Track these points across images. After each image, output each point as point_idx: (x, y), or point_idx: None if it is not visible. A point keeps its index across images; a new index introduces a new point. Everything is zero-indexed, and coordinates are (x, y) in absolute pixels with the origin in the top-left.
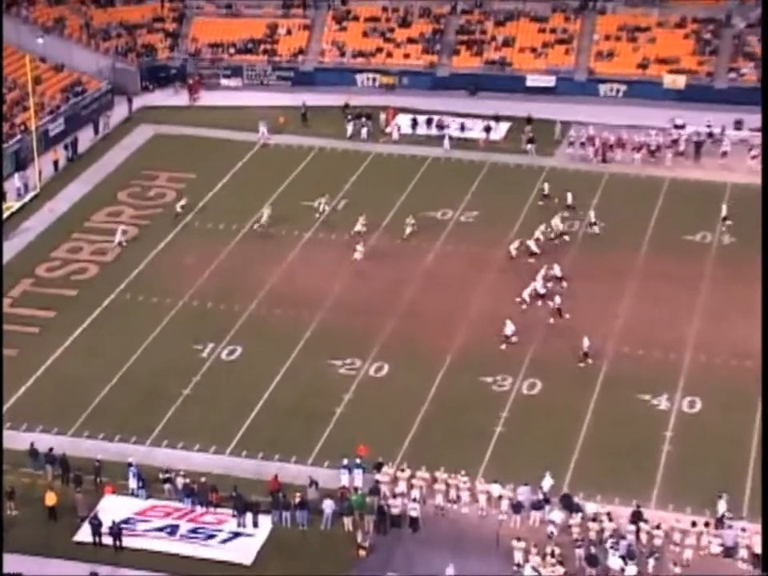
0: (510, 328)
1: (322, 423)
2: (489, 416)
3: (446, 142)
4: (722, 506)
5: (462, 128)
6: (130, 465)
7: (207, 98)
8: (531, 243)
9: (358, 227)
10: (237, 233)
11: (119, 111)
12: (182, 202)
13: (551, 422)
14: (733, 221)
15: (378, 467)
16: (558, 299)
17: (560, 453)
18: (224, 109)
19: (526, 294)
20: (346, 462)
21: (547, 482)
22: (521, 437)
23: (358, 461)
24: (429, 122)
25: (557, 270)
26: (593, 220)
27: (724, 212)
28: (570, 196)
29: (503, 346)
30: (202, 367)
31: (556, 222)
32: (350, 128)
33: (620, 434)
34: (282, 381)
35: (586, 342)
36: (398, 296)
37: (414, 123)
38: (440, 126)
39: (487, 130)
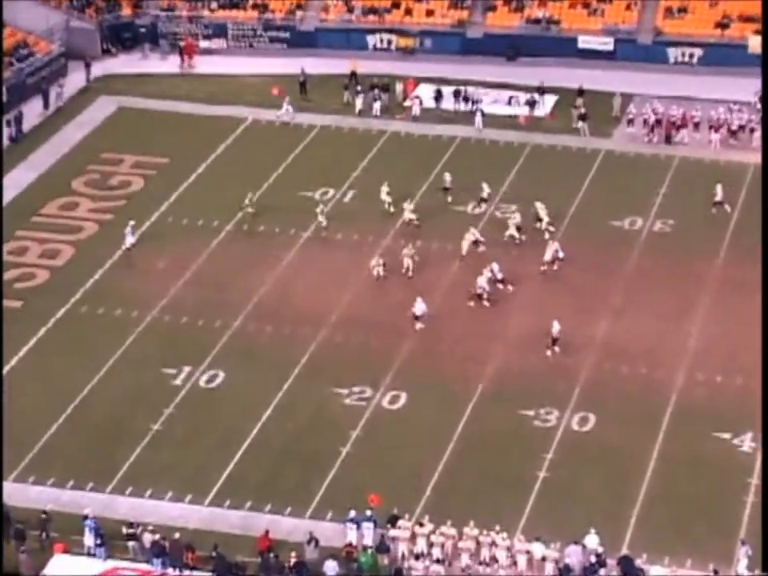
0: (555, 328)
1: (323, 466)
2: (530, 458)
3: (478, 119)
4: None
5: (498, 102)
6: (85, 517)
7: (179, 65)
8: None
9: (408, 215)
10: (219, 231)
11: (74, 80)
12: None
13: (607, 465)
14: None
15: (393, 521)
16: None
17: (618, 504)
18: (204, 77)
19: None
20: (353, 514)
21: (592, 540)
22: (570, 484)
23: (368, 513)
24: (457, 94)
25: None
26: (543, 218)
27: None
28: (485, 186)
29: (548, 352)
30: (175, 397)
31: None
32: (359, 102)
33: (693, 482)
34: (275, 414)
35: (555, 327)
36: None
37: (439, 96)
38: (471, 100)
39: (529, 104)
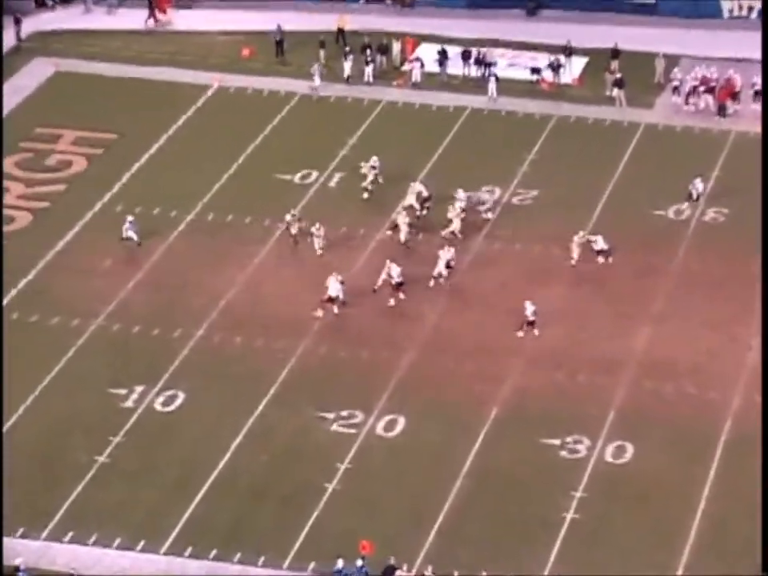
0: (529, 309)
1: (305, 506)
2: (555, 496)
3: (492, 85)
4: None
5: (516, 65)
6: (18, 570)
7: (132, 19)
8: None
9: (410, 200)
10: (177, 222)
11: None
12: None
13: (649, 505)
14: None
15: (390, 572)
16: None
17: (662, 551)
18: (162, 35)
19: None
20: (341, 564)
21: None
22: (603, 527)
23: (359, 563)
24: (465, 55)
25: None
26: (484, 200)
27: None
28: (420, 188)
29: (520, 333)
30: (125, 422)
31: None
32: (347, 65)
33: (751, 525)
34: (246, 443)
35: (529, 308)
36: (419, 318)
37: (443, 58)
38: (482, 63)
39: (553, 68)
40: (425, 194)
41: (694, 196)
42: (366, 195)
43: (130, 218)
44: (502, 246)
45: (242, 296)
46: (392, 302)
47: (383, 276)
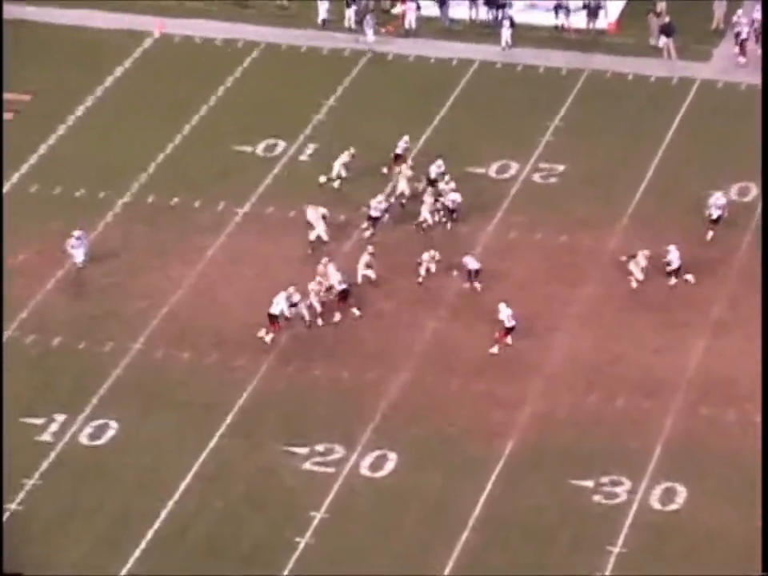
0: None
1: (271, 564)
2: (587, 552)
3: (506, 32)
4: None
5: (536, 7)
6: None
7: None
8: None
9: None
10: (109, 205)
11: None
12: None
13: (705, 563)
14: None
15: None
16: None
17: None
18: None
19: None
20: None
21: None
22: None
23: None
24: None
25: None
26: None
27: None
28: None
29: (494, 349)
30: (42, 460)
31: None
32: (322, 5)
33: None
34: (196, 486)
35: (503, 312)
36: (414, 327)
37: None
38: (494, 3)
39: (586, 9)
40: (432, 175)
41: (714, 215)
42: (323, 180)
43: (76, 233)
44: (519, 235)
45: (189, 300)
46: (338, 316)
47: (313, 286)
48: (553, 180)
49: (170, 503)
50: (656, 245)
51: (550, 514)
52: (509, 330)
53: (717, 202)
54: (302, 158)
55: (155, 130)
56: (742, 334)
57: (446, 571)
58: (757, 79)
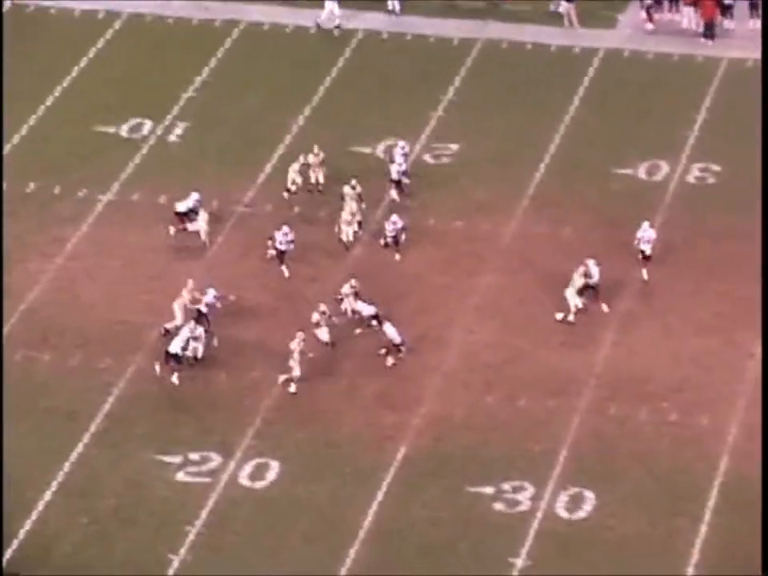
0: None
1: None
2: (488, 564)
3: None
4: None
5: None
6: None
7: None
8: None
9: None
10: None
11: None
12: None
13: (616, 569)
14: None
15: None
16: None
17: None
18: None
19: None
20: None
21: None
22: None
23: None
24: None
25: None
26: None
27: None
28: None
29: (389, 361)
30: None
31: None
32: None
33: None
34: (58, 500)
35: (391, 335)
36: (295, 323)
37: None
38: None
39: None
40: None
41: (647, 251)
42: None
43: None
44: (410, 221)
45: (49, 297)
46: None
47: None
48: (446, 160)
49: (29, 521)
50: (559, 227)
51: (447, 524)
52: (397, 347)
53: (644, 234)
54: (171, 138)
55: (8, 109)
56: (653, 327)
57: None
58: (666, 47)
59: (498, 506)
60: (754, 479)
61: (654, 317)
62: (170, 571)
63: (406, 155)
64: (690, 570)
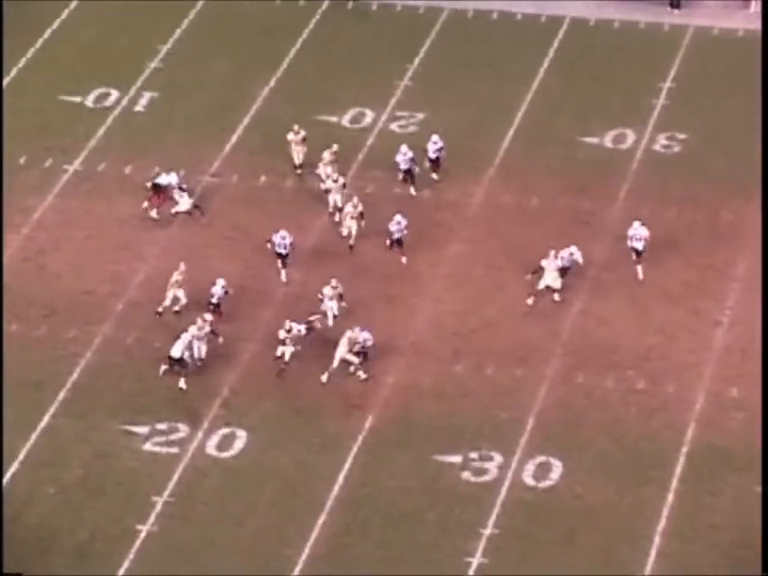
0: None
1: (110, 557)
2: (456, 534)
3: None
4: None
5: None
6: None
7: None
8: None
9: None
10: None
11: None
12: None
13: (582, 544)
14: None
15: None
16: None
17: None
18: None
19: None
20: None
21: None
22: (520, 571)
23: None
24: None
25: None
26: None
27: None
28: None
29: (360, 374)
30: None
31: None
32: None
33: (726, 567)
34: (25, 471)
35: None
36: (266, 287)
37: None
38: None
39: None
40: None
41: (639, 247)
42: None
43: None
44: (377, 190)
45: (15, 267)
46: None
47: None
48: (412, 129)
49: None
50: (526, 197)
51: (414, 493)
52: (364, 355)
53: (636, 232)
54: (137, 108)
55: None
56: (621, 296)
57: (302, 557)
58: (632, 15)
59: (466, 475)
60: (720, 447)
61: (621, 286)
62: (138, 541)
63: (440, 149)
64: (657, 538)
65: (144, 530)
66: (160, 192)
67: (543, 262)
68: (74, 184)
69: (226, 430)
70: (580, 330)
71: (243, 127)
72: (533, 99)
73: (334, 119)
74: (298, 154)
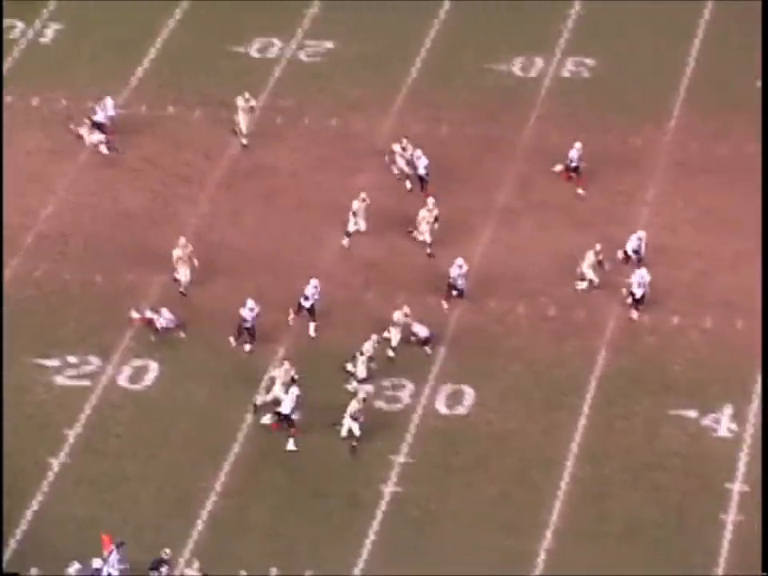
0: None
1: (23, 492)
2: (371, 459)
3: None
4: None
5: None
6: None
7: None
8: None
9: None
10: None
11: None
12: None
13: (496, 471)
14: None
15: (157, 566)
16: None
17: (514, 536)
18: None
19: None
20: (74, 569)
21: None
22: (434, 504)
23: (96, 564)
24: None
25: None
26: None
27: None
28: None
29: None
30: None
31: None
32: None
33: (637, 494)
34: None
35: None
36: (174, 221)
37: None
38: None
39: None
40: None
41: (638, 294)
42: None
43: None
44: (286, 121)
45: None
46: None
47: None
48: (320, 59)
49: None
50: (435, 126)
51: (324, 423)
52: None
53: (641, 279)
54: (43, 40)
55: None
56: (531, 223)
57: (216, 488)
58: None
59: (378, 404)
60: (630, 371)
61: (531, 213)
62: (50, 475)
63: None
64: (570, 463)
65: (56, 462)
66: (102, 129)
67: None
68: None
69: (137, 362)
70: (490, 258)
71: (150, 60)
72: (440, 28)
73: (241, 49)
74: (244, 122)
